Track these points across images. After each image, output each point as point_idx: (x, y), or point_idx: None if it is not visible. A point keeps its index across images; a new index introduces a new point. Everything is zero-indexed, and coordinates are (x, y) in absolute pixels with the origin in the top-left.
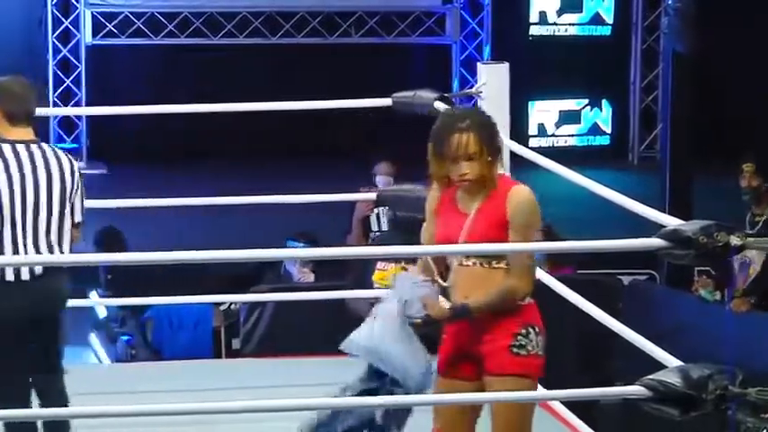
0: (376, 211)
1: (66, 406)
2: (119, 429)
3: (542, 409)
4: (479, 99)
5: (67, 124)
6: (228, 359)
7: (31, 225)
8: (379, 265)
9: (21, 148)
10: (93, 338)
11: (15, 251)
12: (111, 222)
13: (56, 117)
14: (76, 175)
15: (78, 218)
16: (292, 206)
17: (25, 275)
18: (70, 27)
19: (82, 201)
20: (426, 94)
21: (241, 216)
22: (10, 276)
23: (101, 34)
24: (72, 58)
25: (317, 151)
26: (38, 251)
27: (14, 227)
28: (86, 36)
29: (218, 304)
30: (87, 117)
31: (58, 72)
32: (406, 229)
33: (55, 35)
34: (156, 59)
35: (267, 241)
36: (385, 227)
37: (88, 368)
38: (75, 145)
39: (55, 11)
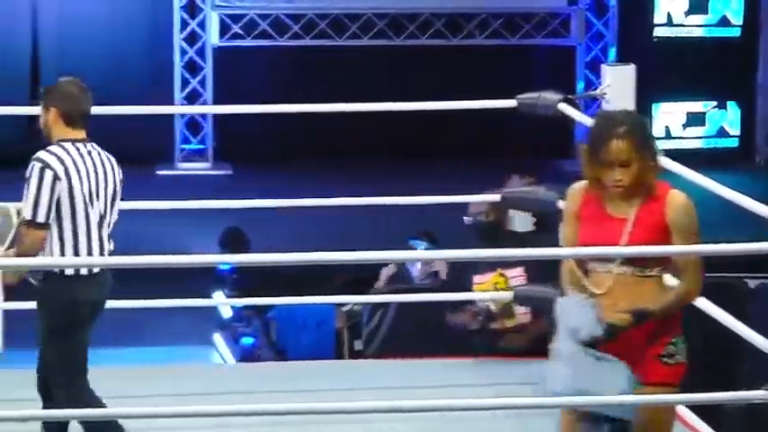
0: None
1: None
2: (239, 429)
3: None
4: (604, 101)
5: (193, 125)
6: (351, 360)
7: (92, 219)
8: (476, 278)
9: (80, 146)
10: (218, 338)
11: (76, 242)
12: (236, 223)
13: (183, 118)
14: (121, 176)
15: (116, 217)
16: (417, 206)
17: (84, 270)
18: (196, 29)
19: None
20: (551, 96)
21: (364, 216)
22: (84, 270)
23: (227, 36)
24: (198, 60)
25: (444, 152)
26: (92, 244)
27: (75, 219)
28: (212, 37)
29: (341, 305)
30: (213, 119)
31: (185, 73)
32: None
33: (182, 37)
34: (280, 61)
35: (389, 241)
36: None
37: (212, 368)
38: (201, 146)
39: (182, 13)
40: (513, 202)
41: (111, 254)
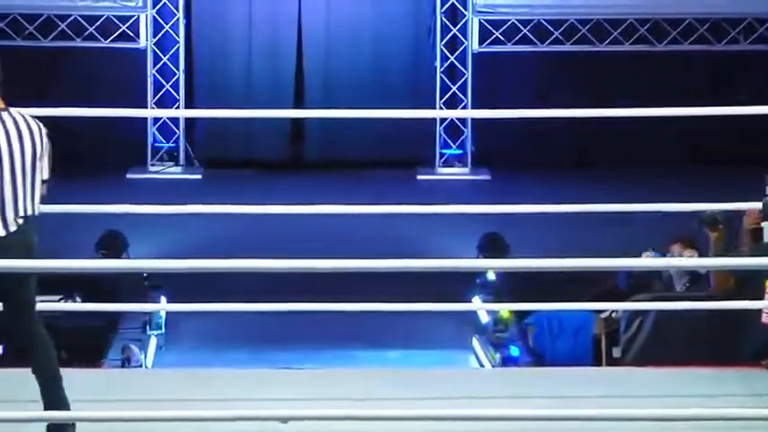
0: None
1: None
2: None
3: None
4: None
5: (453, 130)
6: (608, 367)
7: (14, 182)
8: None
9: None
10: (476, 343)
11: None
12: (496, 228)
13: (442, 123)
14: (44, 138)
15: (46, 176)
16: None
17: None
18: (458, 34)
19: (49, 160)
20: None
21: (618, 221)
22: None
23: (487, 41)
24: (459, 65)
25: (715, 159)
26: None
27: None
28: (473, 43)
29: (600, 312)
30: (472, 124)
31: (445, 79)
32: None
33: (443, 42)
34: (539, 66)
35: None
36: None
37: (468, 372)
38: (459, 151)
39: (444, 19)
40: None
41: (32, 217)
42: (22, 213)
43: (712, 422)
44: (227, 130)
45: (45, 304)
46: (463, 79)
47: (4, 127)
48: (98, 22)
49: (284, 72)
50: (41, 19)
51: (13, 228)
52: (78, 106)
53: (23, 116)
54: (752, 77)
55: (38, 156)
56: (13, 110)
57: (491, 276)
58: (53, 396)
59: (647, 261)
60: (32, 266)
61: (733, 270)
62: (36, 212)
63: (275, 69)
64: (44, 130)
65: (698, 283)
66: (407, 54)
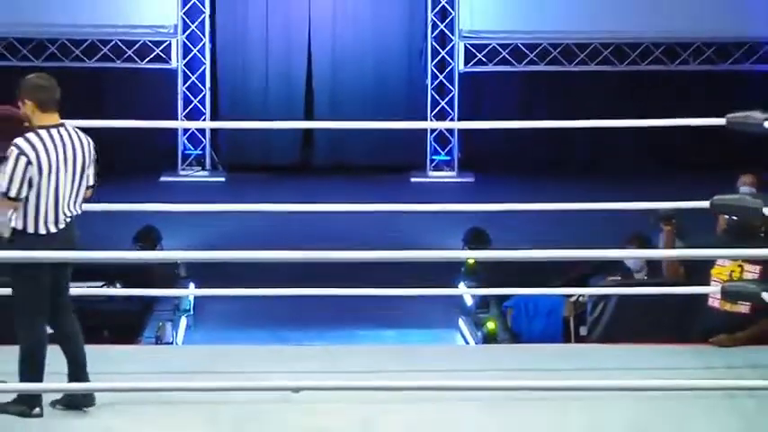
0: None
1: None
2: (477, 403)
3: None
4: None
5: (442, 140)
6: (576, 344)
7: (67, 187)
8: (719, 261)
9: (53, 131)
10: (461, 323)
11: (56, 208)
12: (479, 224)
13: (432, 133)
14: (92, 150)
15: (91, 182)
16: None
17: (42, 230)
18: (446, 57)
19: (95, 168)
20: (757, 115)
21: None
22: (42, 230)
23: (471, 62)
24: (447, 83)
25: (673, 164)
26: (58, 211)
27: (48, 192)
28: (459, 64)
29: (570, 296)
30: (459, 134)
31: (435, 95)
32: (737, 234)
33: (433, 63)
34: (517, 84)
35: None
36: None
37: (456, 348)
38: (447, 157)
39: (434, 43)
40: (720, 207)
41: (75, 218)
42: (69, 213)
43: (670, 392)
44: (247, 138)
45: (90, 290)
46: (450, 95)
47: (62, 140)
48: (135, 46)
49: (296, 89)
50: (86, 43)
51: (62, 225)
52: (118, 119)
53: (75, 130)
54: (699, 93)
55: (86, 165)
56: (67, 124)
57: (471, 263)
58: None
59: (609, 252)
60: (80, 257)
61: (682, 260)
62: (79, 212)
63: (288, 86)
64: (92, 144)
65: (654, 273)
66: (403, 73)
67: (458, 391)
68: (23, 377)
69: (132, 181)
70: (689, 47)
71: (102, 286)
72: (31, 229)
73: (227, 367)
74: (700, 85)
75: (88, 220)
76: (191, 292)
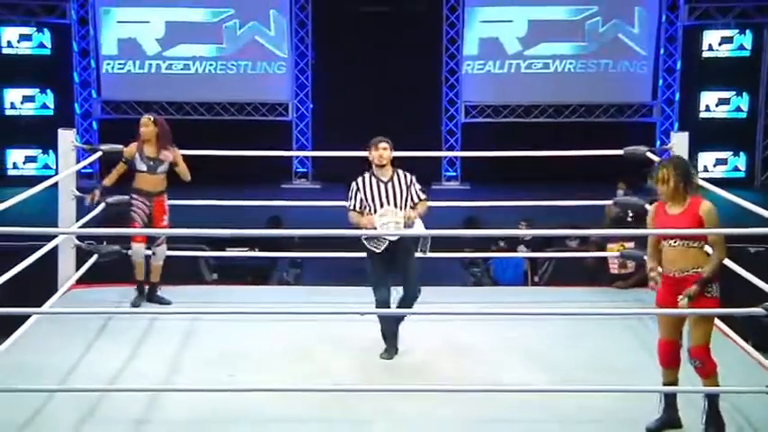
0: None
1: None
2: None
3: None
4: (671, 151)
5: (451, 163)
6: (532, 286)
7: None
8: (610, 242)
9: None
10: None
11: None
12: (473, 214)
13: (445, 159)
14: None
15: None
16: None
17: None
18: (453, 113)
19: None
20: (642, 148)
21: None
22: None
23: (469, 116)
24: (454, 129)
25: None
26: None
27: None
28: (462, 117)
29: (529, 258)
30: (460, 160)
31: (447, 135)
32: (617, 223)
33: (446, 116)
34: (498, 128)
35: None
36: None
37: (459, 289)
38: (454, 173)
39: (446, 105)
40: (621, 204)
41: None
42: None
43: (587, 316)
44: (333, 160)
45: (239, 252)
46: (456, 136)
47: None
48: (266, 107)
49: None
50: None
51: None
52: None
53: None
54: (604, 134)
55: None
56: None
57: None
58: None
59: (560, 231)
60: (237, 233)
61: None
62: None
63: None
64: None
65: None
66: (428, 123)
67: (460, 316)
68: None
69: (265, 187)
70: (600, 107)
71: (247, 250)
72: None
73: (325, 300)
74: (606, 129)
75: (246, 214)
76: (299, 255)
